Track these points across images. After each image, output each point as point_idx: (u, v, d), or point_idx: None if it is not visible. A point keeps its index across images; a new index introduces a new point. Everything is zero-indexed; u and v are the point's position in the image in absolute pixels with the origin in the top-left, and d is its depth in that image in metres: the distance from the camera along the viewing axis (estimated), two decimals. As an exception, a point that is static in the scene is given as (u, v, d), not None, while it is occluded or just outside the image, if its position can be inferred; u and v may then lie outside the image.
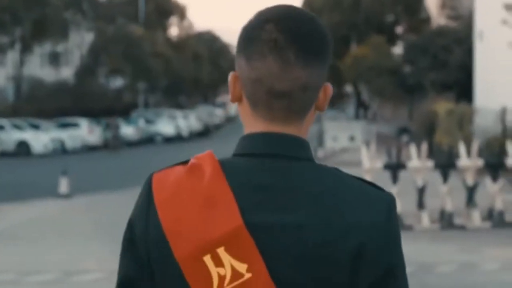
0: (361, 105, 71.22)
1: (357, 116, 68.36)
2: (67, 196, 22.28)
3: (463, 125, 31.05)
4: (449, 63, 46.36)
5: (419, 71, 48.83)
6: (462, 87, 44.77)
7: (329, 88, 1.80)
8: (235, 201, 1.67)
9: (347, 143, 38.06)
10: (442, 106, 32.70)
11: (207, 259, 1.64)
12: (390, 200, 1.75)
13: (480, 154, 16.23)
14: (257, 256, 1.65)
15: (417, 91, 52.10)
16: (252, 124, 1.77)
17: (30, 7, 48.63)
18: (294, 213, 1.68)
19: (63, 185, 22.49)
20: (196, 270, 1.64)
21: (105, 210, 19.76)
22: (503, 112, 29.28)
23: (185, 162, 1.77)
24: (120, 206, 20.22)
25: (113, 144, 45.48)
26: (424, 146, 15.41)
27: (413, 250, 13.16)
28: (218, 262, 1.64)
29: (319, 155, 39.62)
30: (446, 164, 15.59)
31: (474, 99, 37.93)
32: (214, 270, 1.65)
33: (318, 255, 1.67)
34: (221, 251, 1.64)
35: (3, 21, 48.72)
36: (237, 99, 1.79)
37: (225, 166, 1.73)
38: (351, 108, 79.94)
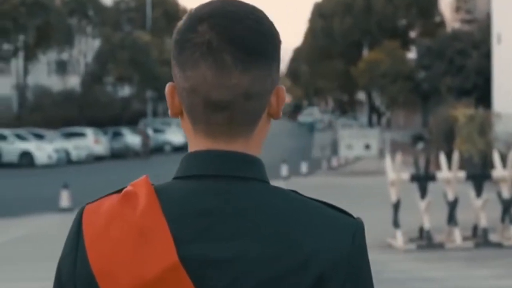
0: (374, 112, 69.81)
1: (370, 124, 67.01)
2: (68, 210, 21.20)
3: (485, 131, 29.81)
4: (466, 68, 45.10)
5: (434, 76, 47.60)
6: (480, 92, 43.51)
7: (282, 91, 1.60)
8: (170, 234, 1.49)
9: (363, 152, 36.70)
10: (462, 111, 31.44)
11: None
12: (357, 226, 1.56)
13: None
14: None
15: (432, 97, 50.91)
16: (194, 141, 1.60)
17: (33, 13, 47.48)
18: (240, 243, 1.49)
19: (64, 198, 21.49)
20: None
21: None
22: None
23: (120, 190, 1.59)
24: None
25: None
26: (456, 156, 14.00)
27: (445, 272, 11.83)
28: None
29: (333, 164, 38.44)
30: (480, 175, 14.17)
31: (492, 105, 36.69)
32: None
33: None
34: None
35: (6, 28, 47.59)
36: (177, 113, 1.62)
37: (162, 192, 1.54)
38: (363, 115, 78.70)
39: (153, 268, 1.47)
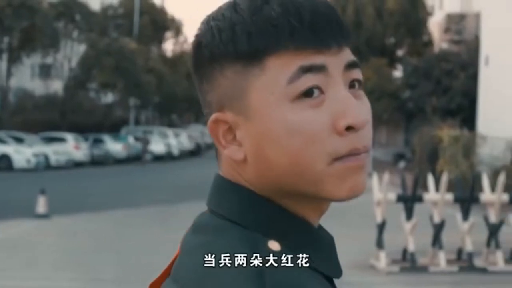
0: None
1: (353, 140, 66.78)
2: (44, 216, 20.71)
3: (469, 153, 29.60)
4: (452, 89, 44.92)
5: (420, 96, 47.40)
6: (465, 113, 43.34)
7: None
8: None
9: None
10: (447, 132, 31.26)
11: None
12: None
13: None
14: None
15: (416, 117, 50.72)
16: None
17: (19, 15, 46.89)
18: None
19: (41, 205, 20.97)
20: None
21: (84, 234, 17.98)
22: (515, 140, 27.80)
23: None
24: (101, 230, 18.70)
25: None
26: (444, 177, 13.66)
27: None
28: None
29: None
30: (467, 198, 13.83)
31: (476, 126, 36.53)
32: None
33: None
34: None
35: (-10, 29, 47.03)
36: None
37: None
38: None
39: None
